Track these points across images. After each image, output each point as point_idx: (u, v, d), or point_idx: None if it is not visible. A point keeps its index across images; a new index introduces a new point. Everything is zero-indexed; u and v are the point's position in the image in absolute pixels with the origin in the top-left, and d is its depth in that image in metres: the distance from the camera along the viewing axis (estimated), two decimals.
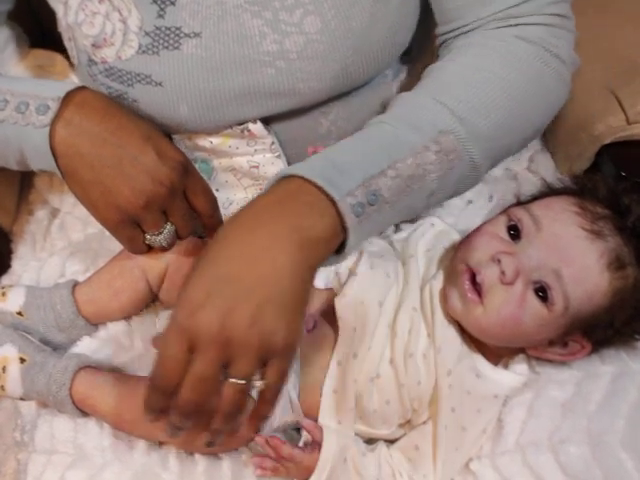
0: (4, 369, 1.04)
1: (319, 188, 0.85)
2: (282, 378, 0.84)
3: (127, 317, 1.12)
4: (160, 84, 1.02)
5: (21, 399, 1.06)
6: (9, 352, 1.05)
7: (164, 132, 1.10)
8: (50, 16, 1.10)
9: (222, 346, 0.80)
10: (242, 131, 1.08)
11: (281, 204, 0.86)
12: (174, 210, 0.98)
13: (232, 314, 0.80)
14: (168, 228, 0.99)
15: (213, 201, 1.03)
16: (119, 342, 1.10)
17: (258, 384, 0.83)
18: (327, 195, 0.85)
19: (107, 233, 1.16)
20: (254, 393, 0.84)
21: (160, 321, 1.09)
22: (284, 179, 0.88)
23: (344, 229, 0.86)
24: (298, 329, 0.84)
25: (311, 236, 0.84)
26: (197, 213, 1.02)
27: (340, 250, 0.88)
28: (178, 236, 1.02)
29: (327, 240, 0.86)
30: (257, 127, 1.08)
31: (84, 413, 1.04)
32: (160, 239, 1.00)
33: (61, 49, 1.17)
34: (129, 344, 1.10)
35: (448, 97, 0.95)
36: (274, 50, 1.01)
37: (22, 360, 1.04)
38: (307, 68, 1.02)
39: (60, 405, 1.03)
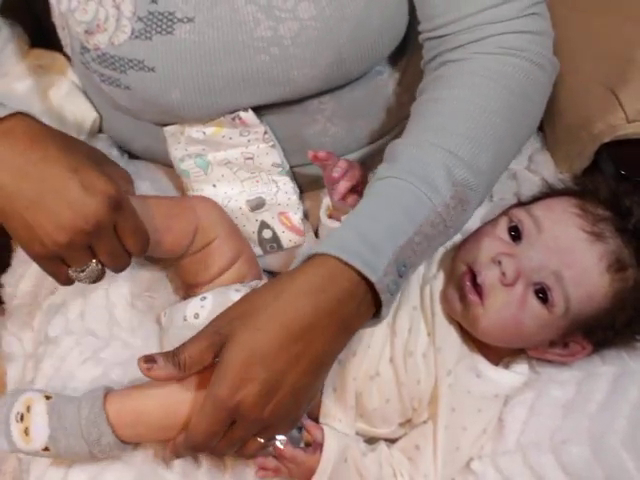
0: (28, 409, 0.94)
1: (356, 271, 0.88)
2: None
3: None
4: (153, 69, 1.02)
5: (45, 449, 0.94)
6: (32, 394, 0.96)
7: (158, 120, 1.11)
8: (49, 15, 1.10)
9: (259, 423, 0.90)
10: (233, 119, 1.08)
11: (323, 292, 0.89)
12: (100, 248, 0.93)
13: (270, 399, 0.88)
14: (92, 266, 0.94)
15: (145, 242, 0.97)
16: (122, 340, 1.09)
17: (278, 443, 0.96)
18: (365, 278, 0.88)
19: None
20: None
21: (165, 318, 1.09)
22: (319, 257, 0.90)
23: (378, 302, 0.90)
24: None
25: (350, 324, 0.91)
26: (127, 252, 0.96)
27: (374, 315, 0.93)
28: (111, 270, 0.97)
29: (362, 322, 0.92)
30: (248, 115, 1.08)
31: (120, 443, 0.95)
32: (82, 276, 0.94)
33: (60, 48, 1.17)
34: (131, 342, 1.09)
35: (452, 143, 0.95)
36: (268, 36, 1.01)
37: (47, 397, 0.95)
38: (301, 55, 1.02)
39: (94, 430, 0.93)
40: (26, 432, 0.93)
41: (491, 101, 0.98)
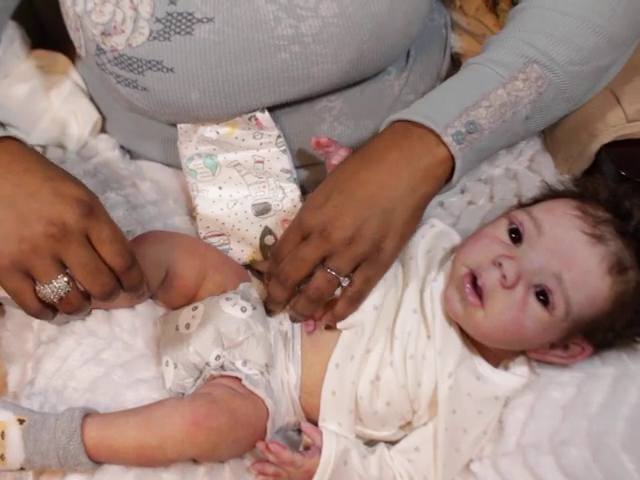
0: (3, 435, 0.93)
1: (421, 125, 0.99)
2: (368, 285, 1.00)
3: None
4: (171, 70, 1.02)
5: (21, 469, 0.95)
6: (5, 416, 0.94)
7: (173, 121, 1.10)
8: (51, 16, 1.10)
9: (326, 239, 0.97)
10: (250, 119, 1.08)
11: (394, 141, 1.01)
12: (69, 257, 0.86)
13: (343, 216, 0.97)
14: (60, 279, 0.86)
15: (126, 253, 0.89)
16: (123, 341, 1.09)
17: (345, 282, 0.99)
18: (429, 129, 0.98)
19: None
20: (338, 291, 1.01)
21: (158, 326, 1.09)
22: (390, 125, 1.03)
23: (452, 158, 0.99)
24: (398, 249, 1.01)
25: (423, 165, 0.99)
26: (108, 267, 0.89)
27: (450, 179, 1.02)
28: (86, 293, 0.89)
29: (438, 165, 0.99)
30: (264, 117, 1.08)
31: (97, 464, 0.96)
32: (47, 291, 0.86)
33: (62, 49, 1.17)
34: (132, 343, 1.10)
35: (527, 34, 1.05)
36: (289, 34, 1.02)
37: (21, 421, 0.94)
38: (322, 51, 1.04)
39: (71, 459, 0.94)
40: (2, 457, 0.93)
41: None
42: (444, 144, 0.99)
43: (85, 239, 0.87)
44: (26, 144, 0.94)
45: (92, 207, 0.87)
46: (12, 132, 0.94)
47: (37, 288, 0.87)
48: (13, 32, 1.22)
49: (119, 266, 0.89)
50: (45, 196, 0.86)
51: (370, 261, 0.99)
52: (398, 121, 1.02)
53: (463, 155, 1.00)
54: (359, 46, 1.04)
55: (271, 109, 1.09)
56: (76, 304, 0.89)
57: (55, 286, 0.86)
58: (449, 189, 1.04)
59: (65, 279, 0.87)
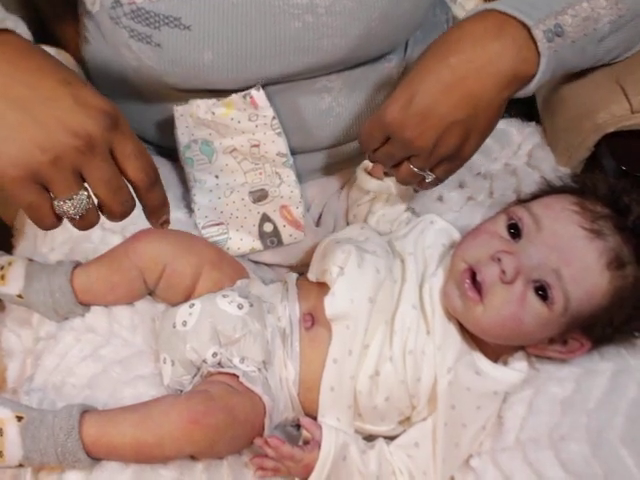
0: (1, 432, 0.93)
1: (514, 18, 0.96)
2: (448, 175, 1.06)
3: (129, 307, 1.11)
4: (188, 28, 1.03)
5: (20, 466, 0.95)
6: (2, 413, 0.93)
7: (180, 83, 1.11)
8: (50, 13, 1.09)
9: (410, 146, 0.99)
10: (244, 97, 1.09)
11: (486, 31, 0.97)
12: (92, 172, 0.80)
13: (426, 123, 0.97)
14: (81, 194, 0.80)
15: (150, 169, 0.84)
16: (122, 337, 1.09)
17: (429, 178, 1.05)
18: (522, 23, 0.96)
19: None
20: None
21: (157, 323, 1.09)
22: (481, 13, 0.99)
23: (537, 56, 0.97)
24: (479, 145, 1.03)
25: (512, 70, 0.96)
26: (130, 184, 0.84)
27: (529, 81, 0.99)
28: (103, 210, 0.83)
29: (524, 64, 0.97)
30: (259, 95, 1.09)
31: (95, 461, 0.96)
32: (68, 206, 0.80)
33: (60, 46, 1.16)
34: (131, 340, 1.09)
35: None
36: (304, 3, 1.04)
37: (19, 418, 0.94)
38: (333, 24, 1.05)
39: (69, 456, 0.94)
40: (0, 454, 0.93)
41: None
42: (533, 41, 0.96)
43: (109, 154, 0.81)
44: (30, 41, 0.85)
45: (116, 120, 0.81)
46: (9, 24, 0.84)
47: (55, 203, 0.80)
48: (14, 26, 1.21)
49: (143, 182, 0.84)
50: (66, 103, 0.78)
51: (452, 159, 1.02)
52: (487, 11, 0.99)
53: (549, 56, 0.97)
54: (368, 23, 1.06)
55: (271, 86, 1.10)
56: (92, 222, 0.83)
57: (76, 202, 0.80)
58: (526, 94, 1.02)
59: (86, 194, 0.81)
